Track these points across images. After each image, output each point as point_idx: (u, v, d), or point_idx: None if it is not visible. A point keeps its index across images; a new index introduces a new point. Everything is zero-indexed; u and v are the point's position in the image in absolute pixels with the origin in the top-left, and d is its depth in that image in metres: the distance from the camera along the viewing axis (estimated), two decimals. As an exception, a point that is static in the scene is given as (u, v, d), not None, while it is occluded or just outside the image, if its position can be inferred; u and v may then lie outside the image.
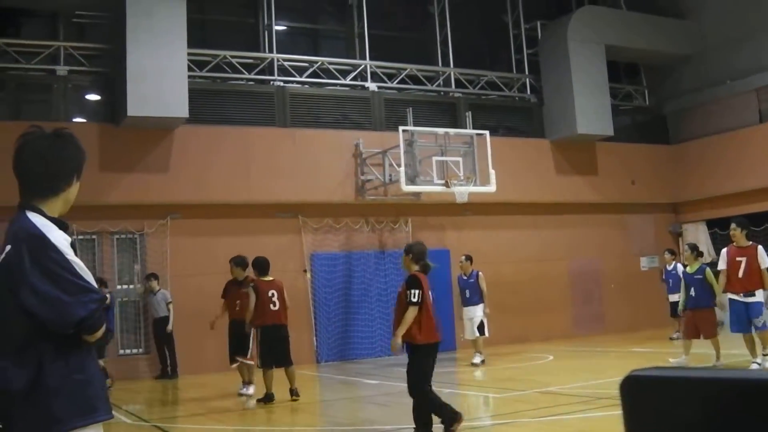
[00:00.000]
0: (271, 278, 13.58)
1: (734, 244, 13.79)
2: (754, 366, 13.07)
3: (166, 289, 18.61)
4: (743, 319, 13.43)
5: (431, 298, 9.07)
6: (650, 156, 26.05)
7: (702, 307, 14.34)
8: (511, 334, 21.74)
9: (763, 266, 13.38)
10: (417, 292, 8.83)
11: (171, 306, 18.26)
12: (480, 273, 17.71)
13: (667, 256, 20.29)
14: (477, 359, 17.41)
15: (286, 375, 13.23)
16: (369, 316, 21.08)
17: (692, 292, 14.44)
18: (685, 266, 15.90)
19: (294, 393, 13.22)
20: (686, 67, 26.50)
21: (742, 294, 13.47)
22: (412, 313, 8.81)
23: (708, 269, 14.78)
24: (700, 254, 15.77)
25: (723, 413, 1.34)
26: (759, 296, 13.45)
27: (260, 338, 13.20)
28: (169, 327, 18.11)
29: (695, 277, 14.51)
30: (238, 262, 14.55)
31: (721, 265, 13.81)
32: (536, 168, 23.56)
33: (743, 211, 24.11)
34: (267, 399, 13.10)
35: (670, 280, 19.72)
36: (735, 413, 1.33)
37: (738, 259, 13.52)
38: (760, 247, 13.60)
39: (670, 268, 19.95)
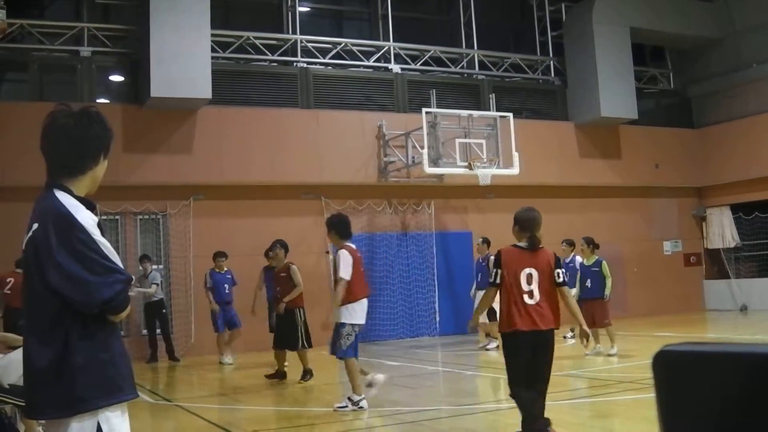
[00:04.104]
0: None
1: None
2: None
3: (157, 270, 18.63)
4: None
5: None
6: (675, 140, 25.87)
7: (596, 298, 15.10)
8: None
9: (338, 274, 10.52)
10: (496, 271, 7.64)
11: (155, 286, 18.02)
12: (492, 257, 17.56)
13: (565, 247, 18.21)
14: (491, 345, 17.27)
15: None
16: (391, 298, 21.09)
17: (588, 284, 15.23)
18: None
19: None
20: (712, 51, 26.27)
21: None
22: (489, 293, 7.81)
23: (604, 262, 15.31)
24: (597, 246, 16.01)
25: (756, 387, 1.33)
26: (340, 314, 10.51)
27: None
28: (150, 298, 18.00)
29: (592, 269, 15.33)
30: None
31: None
32: (560, 151, 23.46)
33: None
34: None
35: (567, 273, 18.56)
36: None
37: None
38: (341, 251, 10.63)
39: (567, 260, 17.97)
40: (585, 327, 7.87)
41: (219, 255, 17.36)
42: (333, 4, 23.95)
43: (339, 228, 10.85)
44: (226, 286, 17.21)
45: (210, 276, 17.24)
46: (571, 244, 18.69)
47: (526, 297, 7.38)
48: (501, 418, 9.81)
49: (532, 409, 7.36)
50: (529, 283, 7.42)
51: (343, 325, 10.45)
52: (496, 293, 7.61)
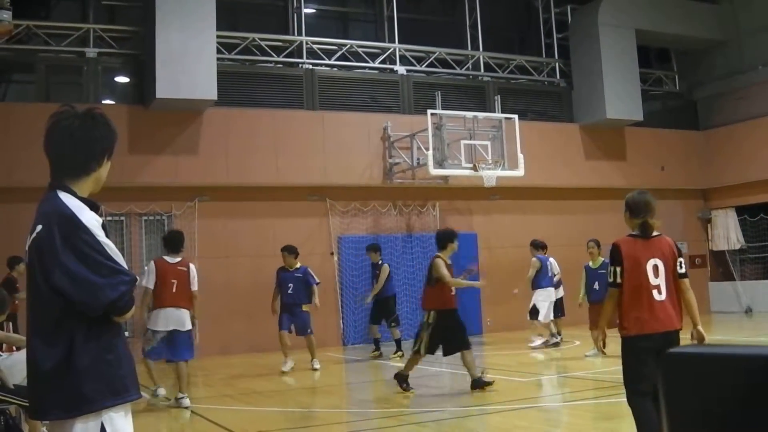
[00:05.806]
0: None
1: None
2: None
3: None
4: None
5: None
6: (680, 142, 25.85)
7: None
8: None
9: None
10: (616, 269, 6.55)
11: None
12: (533, 259, 18.01)
13: (532, 249, 18.41)
14: (537, 341, 17.72)
15: None
16: (396, 300, 21.03)
17: (596, 286, 15.02)
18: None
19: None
20: (718, 53, 26.25)
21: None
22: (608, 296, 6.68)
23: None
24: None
25: (759, 387, 1.33)
26: (146, 319, 11.79)
27: None
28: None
29: (599, 271, 14.85)
30: None
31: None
32: (565, 153, 23.44)
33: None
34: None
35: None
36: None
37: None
38: (150, 262, 12.10)
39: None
40: (700, 327, 6.54)
41: (284, 250, 15.62)
42: (338, 5, 23.95)
43: (165, 243, 12.13)
44: (291, 285, 15.26)
45: (276, 274, 15.66)
46: (540, 246, 18.67)
47: (655, 293, 6.35)
48: (506, 420, 9.80)
49: (652, 425, 6.19)
50: (656, 275, 6.36)
51: (147, 329, 11.67)
52: (617, 296, 6.50)
